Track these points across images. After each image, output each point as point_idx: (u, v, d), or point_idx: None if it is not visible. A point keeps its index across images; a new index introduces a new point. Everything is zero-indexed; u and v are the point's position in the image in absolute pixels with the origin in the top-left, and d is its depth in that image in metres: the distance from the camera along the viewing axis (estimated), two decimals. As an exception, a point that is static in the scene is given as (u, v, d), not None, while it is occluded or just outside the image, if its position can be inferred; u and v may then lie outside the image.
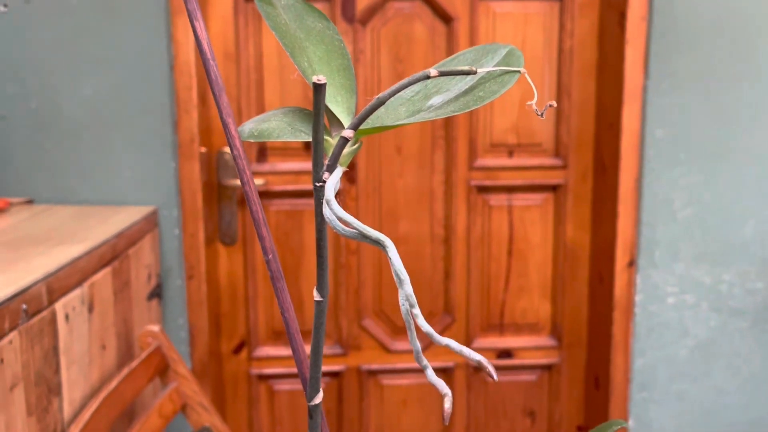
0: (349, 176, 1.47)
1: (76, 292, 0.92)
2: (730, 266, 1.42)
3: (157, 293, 1.32)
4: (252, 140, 0.31)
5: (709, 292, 1.43)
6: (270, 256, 0.30)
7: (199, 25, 0.29)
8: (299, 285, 1.49)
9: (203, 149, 1.36)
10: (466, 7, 1.41)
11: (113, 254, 1.08)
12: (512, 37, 1.43)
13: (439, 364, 1.54)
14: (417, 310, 0.27)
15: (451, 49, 1.42)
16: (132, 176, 1.35)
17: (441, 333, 1.53)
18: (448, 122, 1.45)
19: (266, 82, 1.42)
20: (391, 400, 1.55)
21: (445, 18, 1.41)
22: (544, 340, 1.54)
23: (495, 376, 0.28)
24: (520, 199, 1.49)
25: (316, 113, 0.27)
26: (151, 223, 1.29)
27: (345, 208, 1.47)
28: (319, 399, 0.31)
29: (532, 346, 1.54)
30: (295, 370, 1.51)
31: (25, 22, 1.29)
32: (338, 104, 0.31)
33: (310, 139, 0.29)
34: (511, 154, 1.47)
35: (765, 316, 1.44)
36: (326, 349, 1.52)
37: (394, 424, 1.55)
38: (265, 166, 1.45)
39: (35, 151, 1.33)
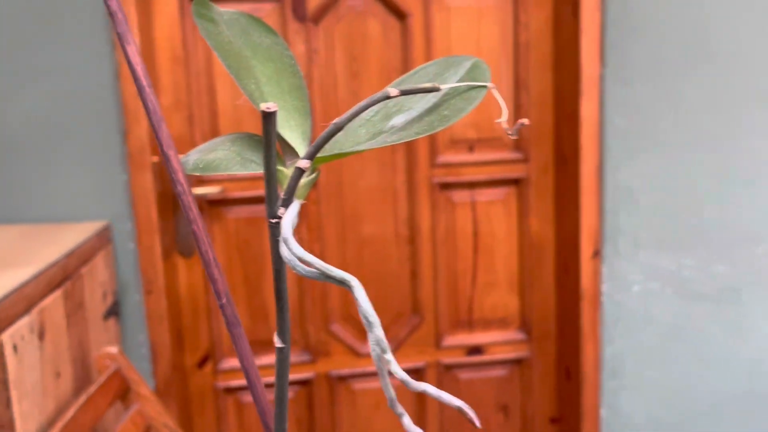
0: (309, 179, 1.43)
1: (24, 321, 0.87)
2: (692, 251, 1.44)
3: (114, 311, 1.27)
4: (198, 173, 0.28)
5: (672, 277, 1.44)
6: (224, 301, 0.27)
7: (132, 50, 0.25)
8: (263, 295, 1.45)
9: (155, 158, 1.31)
10: (419, 3, 1.38)
11: (64, 275, 1.03)
12: (467, 31, 1.41)
13: (410, 364, 1.52)
14: (389, 356, 0.25)
15: (406, 46, 1.40)
16: (81, 191, 1.29)
17: (410, 334, 1.51)
18: (407, 120, 1.43)
19: (218, 86, 1.37)
20: (363, 405, 1.52)
21: (399, 14, 1.39)
22: (514, 334, 1.54)
23: (478, 423, 0.25)
24: (483, 195, 1.48)
25: (267, 145, 0.24)
26: (103, 238, 1.24)
27: (306, 213, 1.43)
28: (286, 456, 0.29)
29: (502, 341, 1.53)
30: (267, 378, 1.48)
31: (-44, 33, 1.22)
32: (292, 129, 0.28)
33: (262, 171, 0.26)
34: (471, 149, 1.45)
35: (727, 298, 1.46)
36: (294, 357, 1.48)
37: (366, 429, 1.53)
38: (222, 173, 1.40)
39: (-25, 169, 1.26)
